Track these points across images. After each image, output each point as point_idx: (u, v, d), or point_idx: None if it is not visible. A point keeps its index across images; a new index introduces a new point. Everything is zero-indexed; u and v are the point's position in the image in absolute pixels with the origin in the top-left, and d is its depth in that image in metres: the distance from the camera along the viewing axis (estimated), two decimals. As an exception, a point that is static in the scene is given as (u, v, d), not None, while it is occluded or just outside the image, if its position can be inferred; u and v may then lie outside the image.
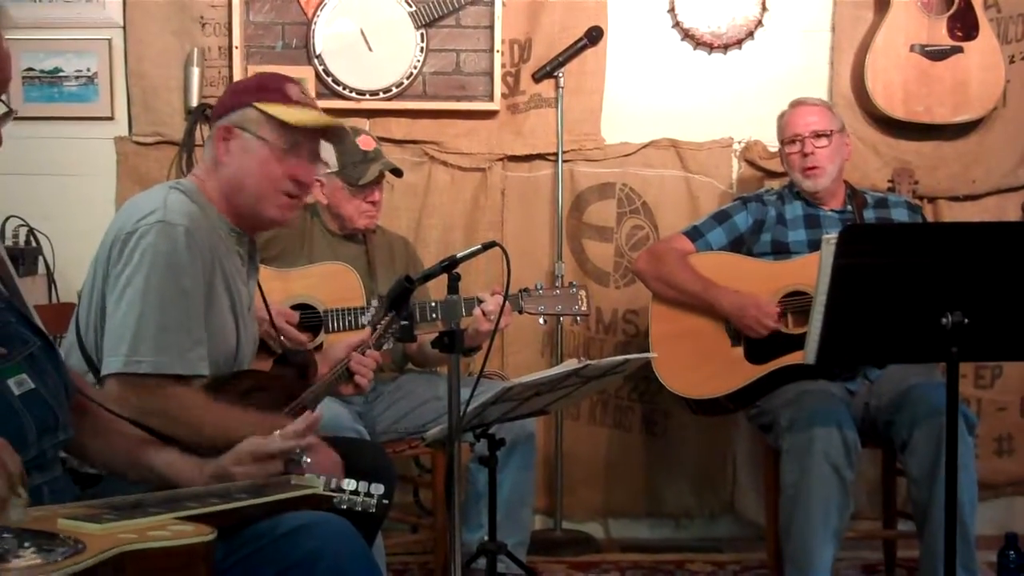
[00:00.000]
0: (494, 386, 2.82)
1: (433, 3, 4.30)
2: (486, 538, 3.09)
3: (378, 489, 2.20)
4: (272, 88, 2.59)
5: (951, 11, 4.28)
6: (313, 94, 4.13)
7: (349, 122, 3.88)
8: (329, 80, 4.29)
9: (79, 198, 4.32)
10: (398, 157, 4.19)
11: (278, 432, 2.25)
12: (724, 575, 4.07)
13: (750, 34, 4.44)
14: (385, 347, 2.82)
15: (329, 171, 3.59)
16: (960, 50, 4.29)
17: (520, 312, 3.56)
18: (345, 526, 2.12)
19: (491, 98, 4.38)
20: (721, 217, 3.91)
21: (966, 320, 2.67)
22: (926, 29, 4.29)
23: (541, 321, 3.70)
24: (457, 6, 4.33)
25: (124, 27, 4.33)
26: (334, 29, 4.29)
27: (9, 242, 4.10)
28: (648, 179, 4.46)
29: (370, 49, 4.30)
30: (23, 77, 4.30)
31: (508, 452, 3.39)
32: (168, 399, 2.36)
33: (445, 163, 4.41)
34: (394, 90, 4.33)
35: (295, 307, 3.53)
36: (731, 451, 4.49)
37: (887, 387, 3.58)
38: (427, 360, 3.82)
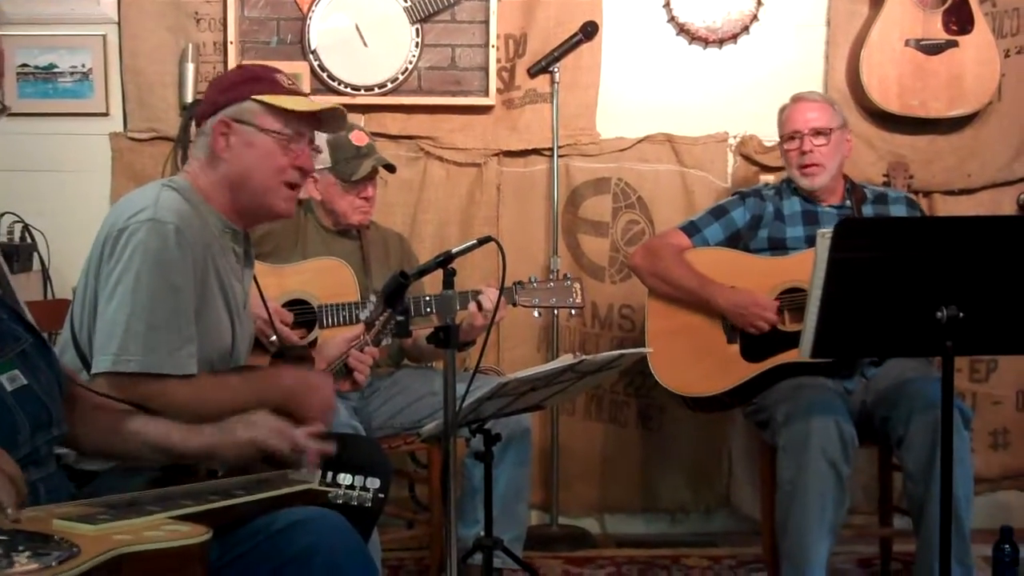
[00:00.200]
0: (490, 381, 2.81)
1: (428, -2, 4.31)
2: (482, 533, 3.09)
3: (373, 483, 2.21)
4: (265, 79, 2.58)
5: (946, 5, 4.27)
6: (308, 89, 4.16)
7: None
8: (324, 75, 4.28)
9: (74, 194, 4.31)
10: (393, 152, 4.19)
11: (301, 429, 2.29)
12: (720, 569, 4.07)
13: (745, 29, 4.44)
14: (384, 343, 2.82)
15: (322, 167, 3.59)
16: (955, 44, 4.29)
17: (514, 305, 3.56)
18: (341, 521, 2.13)
19: (486, 93, 4.37)
20: (718, 213, 3.90)
21: (961, 314, 2.67)
22: (921, 23, 4.29)
23: (536, 314, 3.69)
24: (452, 1, 4.32)
25: (119, 23, 4.32)
26: (329, 24, 4.29)
27: (4, 238, 4.10)
28: (643, 174, 4.46)
29: (365, 44, 4.30)
30: (18, 73, 4.29)
31: (504, 447, 3.38)
32: (158, 397, 2.35)
33: (440, 158, 4.40)
34: (389, 85, 4.33)
35: (289, 303, 3.52)
36: (726, 446, 4.50)
37: (883, 384, 3.58)
38: (422, 355, 3.82)
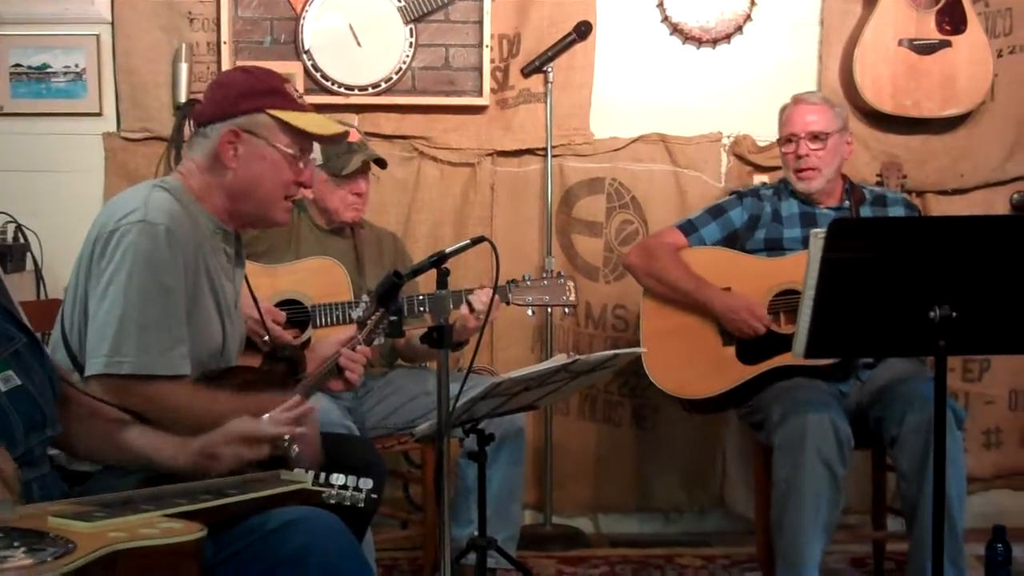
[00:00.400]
0: (483, 381, 2.81)
1: (422, -2, 4.31)
2: (476, 533, 3.09)
3: (366, 483, 2.20)
4: (279, 92, 2.56)
5: (939, 5, 4.28)
6: (301, 89, 4.15)
7: (338, 118, 3.87)
8: (318, 75, 4.28)
9: (67, 194, 4.30)
10: (387, 152, 4.18)
11: (267, 416, 2.27)
12: (714, 569, 4.07)
13: (739, 28, 4.44)
14: (376, 343, 2.82)
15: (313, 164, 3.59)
16: (948, 44, 4.29)
17: (508, 303, 3.56)
18: (334, 521, 2.13)
19: (480, 93, 4.37)
20: (716, 212, 3.88)
21: (954, 314, 2.67)
22: (914, 23, 4.29)
23: (529, 312, 3.68)
24: (446, 1, 4.32)
25: (112, 23, 4.31)
26: (323, 24, 4.28)
27: (-3, 238, 4.10)
28: (637, 174, 4.46)
29: (359, 44, 4.30)
30: (11, 73, 4.29)
31: (498, 447, 3.39)
32: (151, 399, 2.35)
33: (434, 158, 4.40)
34: (383, 85, 4.32)
35: (282, 302, 3.52)
36: (720, 445, 4.50)
37: (877, 384, 3.58)
38: (416, 355, 3.81)
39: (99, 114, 4.35)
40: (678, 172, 4.45)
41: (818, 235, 2.72)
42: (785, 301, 3.66)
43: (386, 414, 3.65)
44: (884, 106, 4.33)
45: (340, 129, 2.65)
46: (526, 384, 2.83)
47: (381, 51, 4.31)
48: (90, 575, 1.57)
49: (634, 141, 4.45)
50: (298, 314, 3.54)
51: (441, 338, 2.44)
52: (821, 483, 3.32)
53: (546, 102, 4.32)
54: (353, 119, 4.25)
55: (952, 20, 4.29)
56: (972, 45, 4.30)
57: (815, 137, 3.73)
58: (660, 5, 4.43)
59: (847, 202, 3.80)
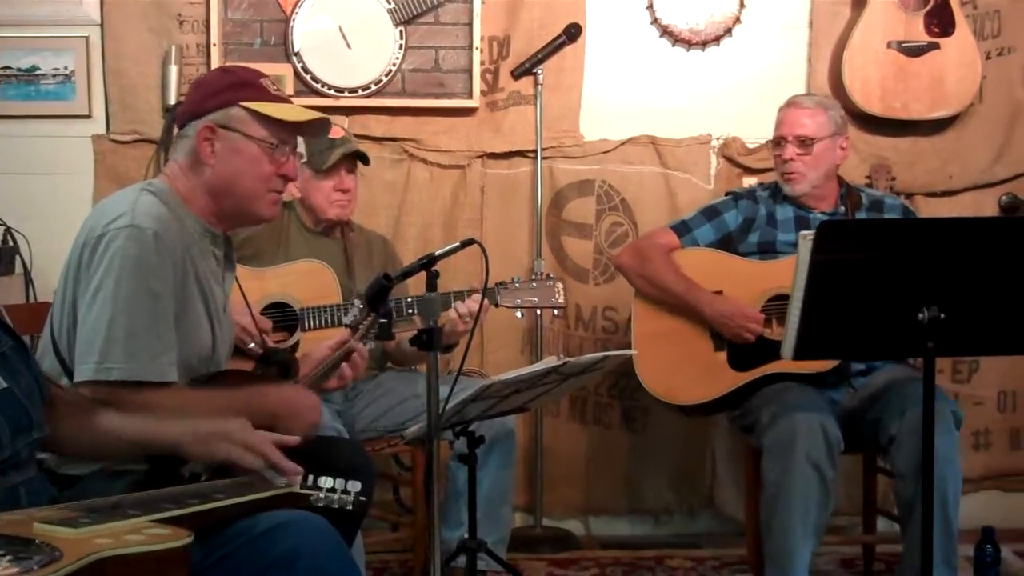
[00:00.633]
0: (473, 384, 2.82)
1: (412, 0, 4.29)
2: (466, 536, 3.10)
3: (355, 486, 2.20)
4: (252, 84, 2.56)
5: (928, 7, 4.29)
6: (291, 91, 4.16)
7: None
8: (307, 77, 4.28)
9: (57, 197, 4.29)
10: (377, 155, 4.19)
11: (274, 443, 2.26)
12: (704, 570, 4.08)
13: (728, 31, 4.45)
14: (369, 346, 2.82)
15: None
16: (937, 46, 4.30)
17: (496, 305, 3.55)
18: (323, 524, 2.13)
19: (470, 95, 4.37)
20: (711, 213, 3.85)
21: (943, 315, 2.68)
22: (903, 25, 4.30)
23: (518, 315, 3.66)
24: (436, 3, 4.32)
25: (101, 25, 4.30)
26: (312, 26, 4.28)
27: (-14, 241, 4.09)
28: (627, 176, 4.46)
29: (349, 46, 4.30)
30: (-1, 75, 4.29)
31: (488, 450, 3.39)
32: (141, 406, 2.35)
33: (424, 160, 4.40)
34: (373, 87, 4.32)
35: (271, 306, 3.52)
36: (710, 447, 4.50)
37: (873, 389, 3.58)
38: (406, 358, 3.81)
39: (88, 116, 4.33)
40: (668, 174, 4.45)
41: (807, 237, 2.72)
42: (777, 307, 3.63)
43: (376, 417, 3.65)
44: (873, 108, 4.33)
45: (315, 115, 2.62)
46: (516, 386, 2.83)
47: (371, 53, 4.31)
48: (77, 582, 1.57)
49: (624, 143, 4.45)
50: (286, 317, 3.53)
51: (431, 341, 2.44)
52: (810, 485, 3.32)
53: (536, 104, 4.33)
54: (343, 121, 4.24)
55: (940, 22, 4.30)
56: (960, 47, 4.31)
57: (801, 142, 3.71)
58: (650, 7, 4.43)
59: (843, 207, 3.78)
